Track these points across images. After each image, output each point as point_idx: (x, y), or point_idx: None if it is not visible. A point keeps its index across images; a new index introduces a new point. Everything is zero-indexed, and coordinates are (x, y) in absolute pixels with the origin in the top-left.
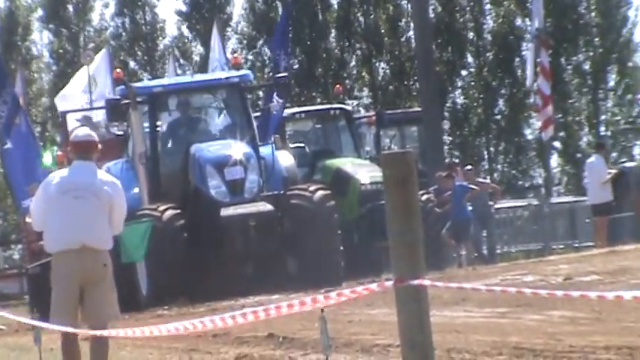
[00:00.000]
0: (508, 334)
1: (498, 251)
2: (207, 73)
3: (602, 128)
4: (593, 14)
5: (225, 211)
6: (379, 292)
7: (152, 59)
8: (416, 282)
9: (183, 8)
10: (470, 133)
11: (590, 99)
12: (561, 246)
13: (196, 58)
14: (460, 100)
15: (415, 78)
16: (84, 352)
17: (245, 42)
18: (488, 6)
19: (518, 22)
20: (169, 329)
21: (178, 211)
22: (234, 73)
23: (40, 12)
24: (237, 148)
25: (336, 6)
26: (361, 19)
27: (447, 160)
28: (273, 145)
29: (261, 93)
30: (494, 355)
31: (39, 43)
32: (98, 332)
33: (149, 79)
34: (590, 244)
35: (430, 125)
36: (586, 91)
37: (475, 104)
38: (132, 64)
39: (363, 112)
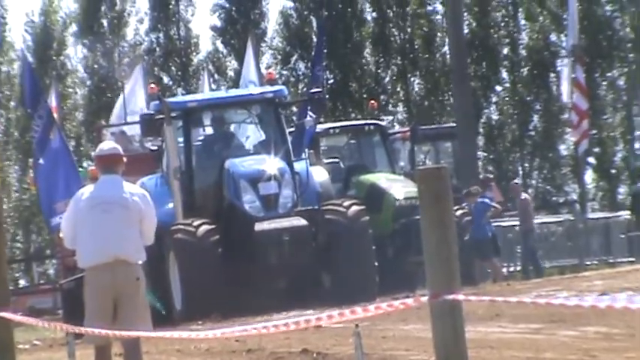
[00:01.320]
0: (542, 350)
1: (531, 267)
2: (241, 89)
3: (637, 144)
4: (627, 30)
5: (260, 226)
6: (413, 307)
7: (186, 74)
8: (451, 297)
9: (218, 23)
10: (504, 149)
11: (625, 115)
12: (596, 262)
13: (231, 73)
14: (494, 115)
15: (450, 93)
16: None
17: (279, 57)
18: (522, 21)
19: (553, 37)
20: (215, 334)
21: (213, 226)
22: (268, 88)
23: (74, 27)
24: (271, 164)
25: (371, 22)
26: (396, 34)
27: (481, 176)
28: (308, 160)
29: (294, 108)
30: None
31: (73, 57)
32: (139, 334)
33: (183, 94)
34: (625, 259)
35: (465, 141)
36: (620, 107)
37: (509, 120)
38: (166, 79)
39: (397, 128)
